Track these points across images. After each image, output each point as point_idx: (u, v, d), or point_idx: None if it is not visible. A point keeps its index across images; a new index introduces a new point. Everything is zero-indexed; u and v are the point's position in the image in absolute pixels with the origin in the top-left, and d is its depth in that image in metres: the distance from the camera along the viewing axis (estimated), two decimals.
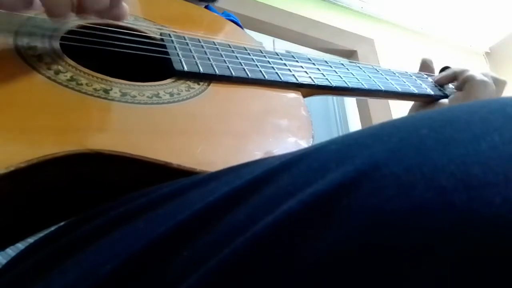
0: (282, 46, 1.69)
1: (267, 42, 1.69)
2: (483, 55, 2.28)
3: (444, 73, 0.58)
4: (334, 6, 1.92)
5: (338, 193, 0.15)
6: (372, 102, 1.63)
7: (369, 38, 1.89)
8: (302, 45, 1.73)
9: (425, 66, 0.63)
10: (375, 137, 0.17)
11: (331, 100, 1.86)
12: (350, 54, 1.82)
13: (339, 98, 1.84)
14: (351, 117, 1.75)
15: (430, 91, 0.55)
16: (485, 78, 0.53)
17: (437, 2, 1.97)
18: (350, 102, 1.79)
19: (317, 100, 1.77)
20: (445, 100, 0.56)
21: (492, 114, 0.16)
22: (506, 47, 2.21)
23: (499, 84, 0.57)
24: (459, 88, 0.56)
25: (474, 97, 0.53)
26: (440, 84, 0.58)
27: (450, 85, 0.60)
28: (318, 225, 0.15)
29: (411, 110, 0.61)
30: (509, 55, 2.19)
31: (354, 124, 1.72)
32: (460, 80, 0.56)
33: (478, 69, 0.57)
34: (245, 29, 0.59)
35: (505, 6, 2.01)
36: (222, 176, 0.22)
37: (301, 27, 1.72)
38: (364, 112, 1.67)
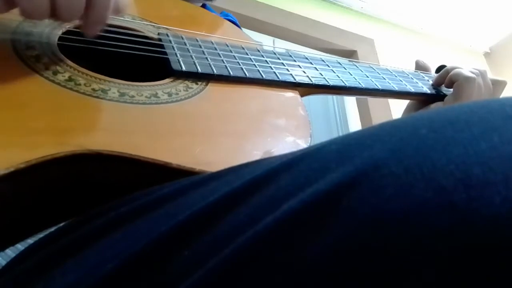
0: (282, 46, 1.69)
1: (267, 42, 1.69)
2: (483, 55, 2.29)
3: (439, 74, 0.58)
4: (334, 6, 1.92)
5: (338, 192, 0.15)
6: (372, 102, 1.63)
7: (369, 38, 1.89)
8: (302, 45, 1.73)
9: (420, 67, 0.63)
10: (375, 137, 0.17)
11: (331, 100, 1.86)
12: (350, 54, 1.82)
13: (339, 98, 1.84)
14: (351, 117, 1.75)
15: (426, 89, 0.56)
16: (470, 74, 0.53)
17: (437, 2, 1.97)
18: (350, 102, 1.79)
19: (317, 100, 1.77)
20: (440, 103, 0.56)
21: (491, 114, 0.16)
22: (506, 47, 2.21)
23: (499, 84, 0.57)
24: (449, 86, 0.56)
25: (461, 95, 0.53)
26: (437, 84, 0.58)
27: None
28: (318, 225, 0.15)
29: (405, 110, 0.62)
30: (509, 55, 2.19)
31: (354, 124, 1.72)
32: (448, 78, 0.56)
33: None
34: (245, 29, 0.59)
35: (505, 6, 2.01)
36: (222, 176, 0.22)
37: (301, 27, 1.72)
38: (364, 112, 1.67)
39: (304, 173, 0.17)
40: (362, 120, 1.68)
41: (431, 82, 0.59)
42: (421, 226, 0.13)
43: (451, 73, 0.55)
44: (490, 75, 0.57)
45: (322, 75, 0.47)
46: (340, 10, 1.92)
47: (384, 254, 0.14)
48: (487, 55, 2.29)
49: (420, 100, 0.58)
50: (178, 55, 0.40)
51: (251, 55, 0.46)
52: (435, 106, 0.56)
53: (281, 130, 0.37)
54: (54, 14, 0.29)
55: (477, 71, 0.55)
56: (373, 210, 0.14)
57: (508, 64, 2.17)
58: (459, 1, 1.97)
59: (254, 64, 0.44)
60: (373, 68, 0.55)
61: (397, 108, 1.60)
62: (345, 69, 0.52)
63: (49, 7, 0.29)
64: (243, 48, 0.47)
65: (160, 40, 0.42)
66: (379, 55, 1.84)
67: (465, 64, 0.59)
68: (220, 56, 0.42)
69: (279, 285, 0.15)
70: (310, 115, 0.40)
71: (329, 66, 0.51)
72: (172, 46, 0.41)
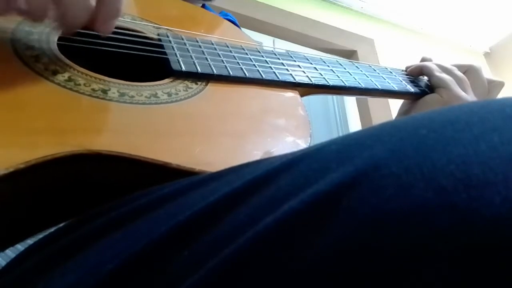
0: (282, 46, 1.69)
1: (267, 42, 1.69)
2: (483, 55, 2.29)
3: (412, 68, 0.58)
4: (334, 6, 1.92)
5: (338, 192, 0.15)
6: (372, 102, 1.63)
7: (369, 38, 1.89)
8: (302, 45, 1.73)
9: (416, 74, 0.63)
10: (375, 137, 0.17)
11: (331, 100, 1.86)
12: (350, 54, 1.82)
13: (339, 98, 1.84)
14: (351, 117, 1.75)
15: (425, 89, 0.56)
16: (442, 79, 0.53)
17: (437, 2, 1.98)
18: (350, 102, 1.79)
19: (317, 100, 1.77)
20: (430, 95, 0.55)
21: (491, 114, 0.16)
22: (506, 47, 2.21)
23: (496, 84, 0.57)
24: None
25: (438, 99, 0.53)
26: (409, 74, 0.58)
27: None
28: (318, 225, 0.15)
29: (401, 107, 0.62)
30: (509, 55, 2.19)
31: (354, 124, 1.72)
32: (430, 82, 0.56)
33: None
34: (245, 29, 0.59)
35: (505, 6, 2.01)
36: (222, 176, 0.22)
37: (301, 27, 1.72)
38: (364, 112, 1.67)
39: (304, 173, 0.17)
40: (362, 120, 1.68)
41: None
42: (421, 226, 0.13)
43: (434, 79, 0.55)
44: (488, 75, 0.57)
45: (322, 75, 0.47)
46: (340, 10, 1.92)
47: (384, 254, 0.14)
48: (487, 55, 2.29)
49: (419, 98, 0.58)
50: (177, 55, 0.40)
51: (251, 55, 0.46)
52: (429, 99, 0.55)
53: (281, 130, 0.37)
54: (59, 17, 0.29)
55: (456, 71, 0.55)
56: (373, 210, 0.14)
57: (508, 64, 2.17)
58: (459, 1, 1.97)
59: (254, 64, 0.44)
60: (373, 68, 0.56)
61: (397, 108, 1.59)
62: (345, 69, 0.52)
63: (51, 6, 0.29)
64: (242, 48, 0.47)
65: (159, 40, 0.42)
66: (379, 55, 1.84)
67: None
68: (220, 56, 0.42)
69: (279, 285, 0.15)
70: (310, 115, 0.40)
71: (328, 66, 0.51)
72: (172, 46, 0.41)
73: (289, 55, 0.50)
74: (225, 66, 0.41)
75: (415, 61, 0.63)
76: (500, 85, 0.58)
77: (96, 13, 0.31)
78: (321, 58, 0.52)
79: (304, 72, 0.47)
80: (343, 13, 1.92)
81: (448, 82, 0.52)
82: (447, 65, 0.56)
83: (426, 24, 2.09)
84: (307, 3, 1.83)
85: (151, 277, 0.18)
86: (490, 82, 0.57)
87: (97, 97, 0.31)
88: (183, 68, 0.38)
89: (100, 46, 0.37)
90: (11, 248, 0.30)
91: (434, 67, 0.55)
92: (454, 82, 0.52)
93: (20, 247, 0.30)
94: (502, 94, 0.59)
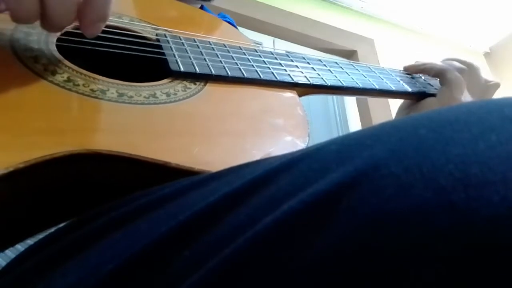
0: (282, 46, 1.69)
1: (267, 42, 1.69)
2: (483, 55, 2.29)
3: (414, 64, 0.58)
4: (334, 6, 1.92)
5: (338, 192, 0.15)
6: (372, 102, 1.63)
7: (369, 38, 1.90)
8: (302, 45, 1.73)
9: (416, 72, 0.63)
10: (375, 137, 0.17)
11: (331, 100, 1.86)
12: (350, 54, 1.83)
13: (339, 98, 1.84)
14: (351, 117, 1.75)
15: (423, 89, 0.56)
16: (454, 78, 0.53)
17: (437, 2, 1.98)
18: (350, 102, 1.79)
19: (317, 100, 1.77)
20: (431, 99, 0.56)
21: (490, 114, 0.16)
22: (506, 47, 2.21)
23: (491, 85, 0.57)
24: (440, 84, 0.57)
25: (450, 96, 0.53)
26: (406, 71, 0.58)
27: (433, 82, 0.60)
28: (318, 225, 0.15)
29: (400, 108, 0.62)
30: (509, 55, 2.19)
31: (354, 124, 1.72)
32: (433, 74, 0.56)
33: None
34: (245, 29, 0.60)
35: (505, 6, 2.01)
36: (222, 176, 0.22)
37: (301, 27, 1.72)
38: (364, 112, 1.67)
39: (304, 173, 0.17)
40: (362, 120, 1.68)
41: (428, 81, 0.59)
42: (421, 226, 0.13)
43: (437, 69, 0.55)
44: (488, 75, 0.57)
45: (319, 75, 0.48)
46: (340, 10, 1.93)
47: (384, 254, 0.14)
48: (487, 55, 2.29)
49: (416, 99, 0.58)
50: (176, 55, 0.40)
51: (249, 55, 0.46)
52: (429, 102, 0.55)
53: (279, 130, 0.37)
54: (44, 18, 0.29)
55: (465, 67, 0.55)
56: (373, 210, 0.14)
57: (508, 64, 2.17)
58: (459, 1, 1.97)
59: (252, 65, 0.44)
60: (371, 68, 0.56)
61: (397, 108, 1.59)
62: (343, 69, 0.52)
63: (38, 9, 0.28)
64: (241, 49, 0.47)
65: (158, 40, 0.42)
66: (379, 55, 1.84)
67: None
68: (218, 57, 0.43)
69: (279, 285, 0.15)
70: (310, 115, 0.40)
71: (326, 67, 0.51)
72: (170, 47, 0.41)
73: (287, 56, 0.50)
74: (223, 66, 0.41)
75: (414, 61, 0.63)
76: (496, 86, 0.58)
77: (82, 15, 0.30)
78: (319, 59, 0.52)
79: (302, 72, 0.47)
80: (343, 13, 1.92)
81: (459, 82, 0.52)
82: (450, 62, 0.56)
83: (426, 24, 2.09)
84: (307, 3, 1.83)
85: (151, 277, 0.18)
86: (487, 82, 0.57)
87: (96, 97, 0.31)
88: (182, 69, 0.38)
89: (99, 47, 0.37)
90: (11, 248, 0.30)
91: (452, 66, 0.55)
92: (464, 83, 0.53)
93: (20, 247, 0.30)
94: (503, 94, 0.59)
